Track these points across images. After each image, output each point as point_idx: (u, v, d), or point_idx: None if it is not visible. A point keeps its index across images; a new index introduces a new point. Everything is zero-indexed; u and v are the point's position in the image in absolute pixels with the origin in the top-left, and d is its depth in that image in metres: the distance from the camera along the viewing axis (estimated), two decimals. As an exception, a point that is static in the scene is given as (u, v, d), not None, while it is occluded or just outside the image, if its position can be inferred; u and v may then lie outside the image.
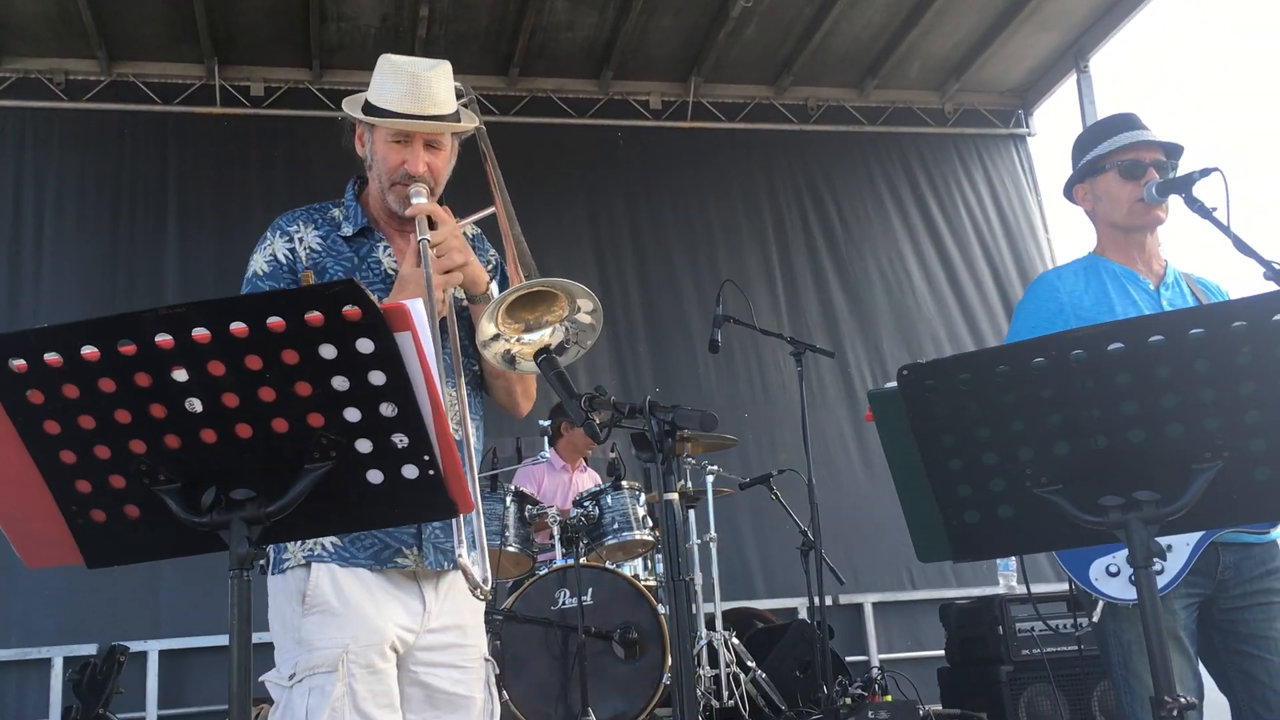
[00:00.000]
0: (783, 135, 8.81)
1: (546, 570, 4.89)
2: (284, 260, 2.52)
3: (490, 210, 2.62)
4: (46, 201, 7.40)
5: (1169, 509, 1.82)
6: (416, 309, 1.62)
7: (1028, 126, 9.32)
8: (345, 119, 2.57)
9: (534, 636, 4.70)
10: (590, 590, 4.80)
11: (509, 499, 5.00)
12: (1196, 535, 2.64)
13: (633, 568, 5.45)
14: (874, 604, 7.71)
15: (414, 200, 2.47)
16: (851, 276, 8.63)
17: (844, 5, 7.84)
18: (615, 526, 5.08)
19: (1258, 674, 2.66)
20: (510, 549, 4.94)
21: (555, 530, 5.01)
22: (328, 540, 2.44)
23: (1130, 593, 2.64)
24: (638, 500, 5.19)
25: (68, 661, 6.47)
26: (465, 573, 2.15)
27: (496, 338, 2.18)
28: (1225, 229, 2.60)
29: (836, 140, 8.93)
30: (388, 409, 1.66)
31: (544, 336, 2.18)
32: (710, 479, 5.51)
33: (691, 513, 5.67)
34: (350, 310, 1.58)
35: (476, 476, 2.52)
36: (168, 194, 7.61)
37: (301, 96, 8.03)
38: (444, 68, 2.54)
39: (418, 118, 2.46)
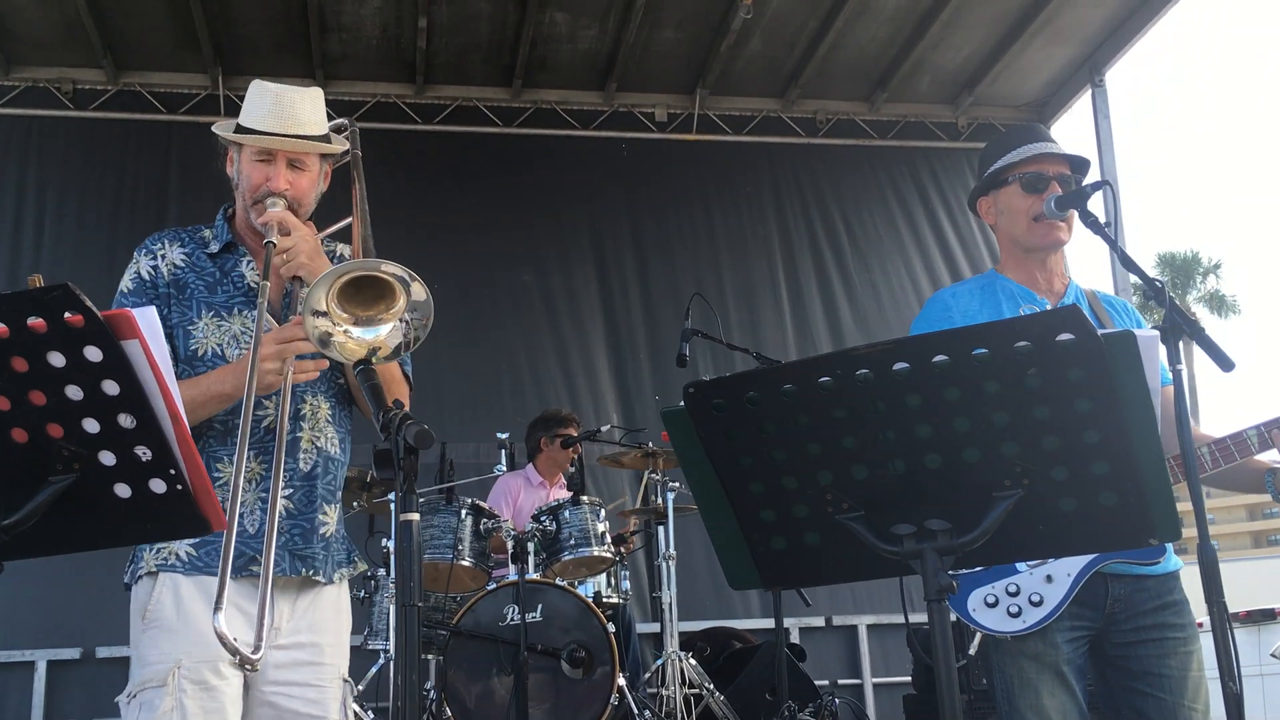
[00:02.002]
0: (790, 148, 8.70)
1: (495, 585, 4.82)
2: (146, 277, 2.55)
3: (346, 222, 2.62)
4: (48, 209, 7.50)
5: (965, 539, 1.72)
6: (145, 317, 1.57)
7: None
8: (218, 141, 2.62)
9: (481, 653, 4.64)
10: (540, 606, 4.72)
11: (464, 511, 4.95)
12: (1079, 564, 2.52)
13: (596, 584, 5.37)
14: (869, 626, 7.55)
15: (269, 209, 2.49)
16: (858, 291, 8.50)
17: (847, 18, 7.72)
18: (572, 542, 5.01)
19: (1150, 713, 2.53)
20: (464, 563, 4.89)
21: (510, 544, 4.95)
22: (181, 548, 2.41)
23: (1009, 624, 2.53)
24: (598, 516, 5.12)
25: (50, 665, 6.52)
26: (221, 640, 2.00)
27: (324, 315, 2.09)
28: (1113, 243, 2.48)
29: (846, 154, 8.80)
30: (126, 420, 1.62)
31: (379, 336, 2.10)
32: (672, 495, 5.41)
33: (661, 529, 5.58)
34: (73, 317, 1.53)
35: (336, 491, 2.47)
36: (169, 203, 7.67)
37: (305, 107, 8.06)
38: (313, 92, 2.60)
39: (280, 135, 2.50)
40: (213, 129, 2.61)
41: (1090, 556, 2.49)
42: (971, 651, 2.63)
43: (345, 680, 2.56)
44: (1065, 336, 1.57)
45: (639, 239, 8.33)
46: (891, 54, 8.26)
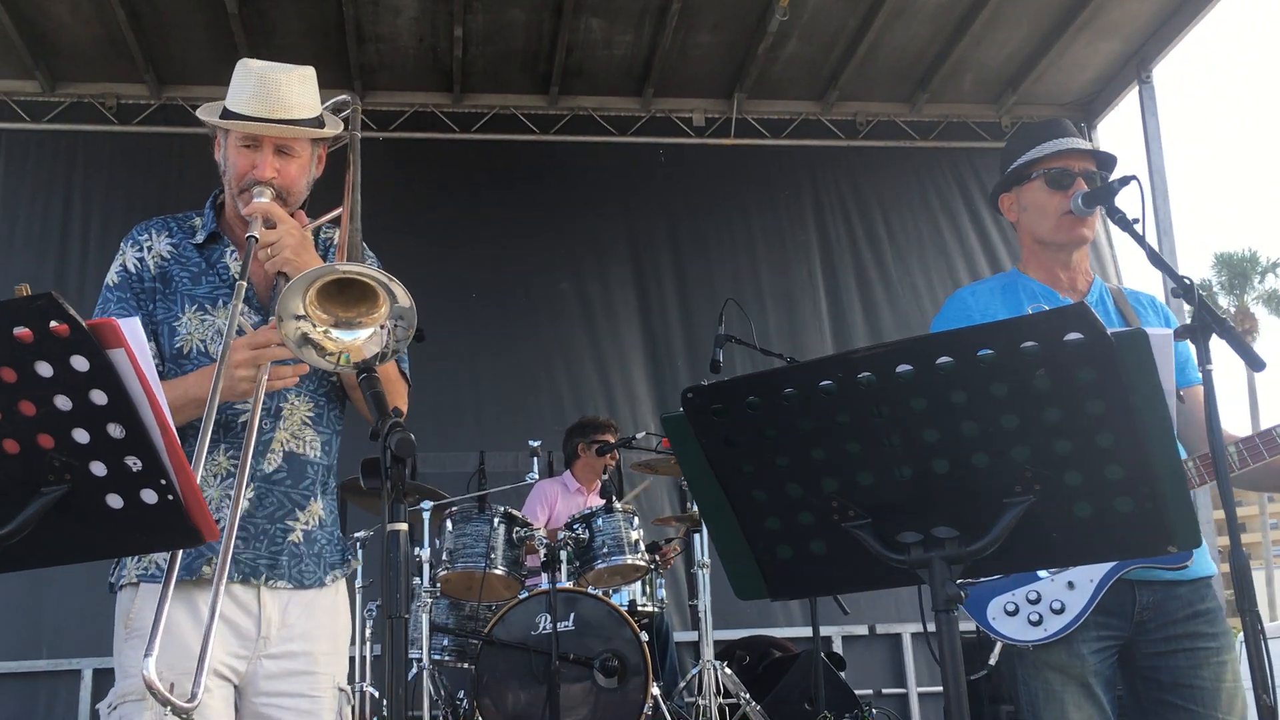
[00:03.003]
0: (830, 151, 8.62)
1: (527, 594, 4.79)
2: (133, 270, 2.49)
3: (337, 211, 2.51)
4: (93, 223, 7.60)
5: (974, 547, 1.66)
6: (129, 326, 1.55)
7: (1091, 140, 8.95)
8: (206, 125, 2.53)
9: (513, 662, 4.61)
10: (572, 615, 4.69)
11: (497, 520, 4.94)
12: (1102, 570, 2.44)
13: (631, 593, 5.33)
14: (913, 635, 7.43)
15: (255, 199, 2.40)
16: (900, 295, 8.41)
17: (886, 17, 7.63)
18: (605, 550, 4.98)
19: (1183, 727, 2.43)
20: (497, 571, 4.87)
21: (542, 553, 4.92)
22: (161, 556, 2.33)
23: (1030, 633, 2.46)
24: (631, 524, 5.08)
25: (97, 674, 6.58)
26: (150, 688, 1.91)
27: (303, 318, 2.01)
28: (1141, 240, 2.40)
29: (886, 155, 8.71)
30: (115, 430, 1.60)
31: (356, 340, 2.02)
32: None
33: (697, 537, 5.53)
34: (58, 326, 1.52)
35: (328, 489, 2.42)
36: (213, 215, 7.73)
37: (345, 117, 8.10)
38: (301, 72, 2.47)
39: (264, 120, 2.39)
40: (197, 113, 2.53)
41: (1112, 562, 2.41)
42: (992, 662, 2.55)
43: (341, 689, 2.47)
44: (1074, 336, 1.51)
45: (676, 245, 8.29)
46: (933, 53, 8.15)
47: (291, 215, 2.46)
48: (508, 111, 8.28)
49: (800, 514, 1.77)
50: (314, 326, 2.01)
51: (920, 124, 8.75)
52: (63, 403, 1.58)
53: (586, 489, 6.10)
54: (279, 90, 2.40)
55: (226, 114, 2.45)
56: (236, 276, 2.42)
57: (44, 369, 1.55)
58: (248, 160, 2.43)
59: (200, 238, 2.53)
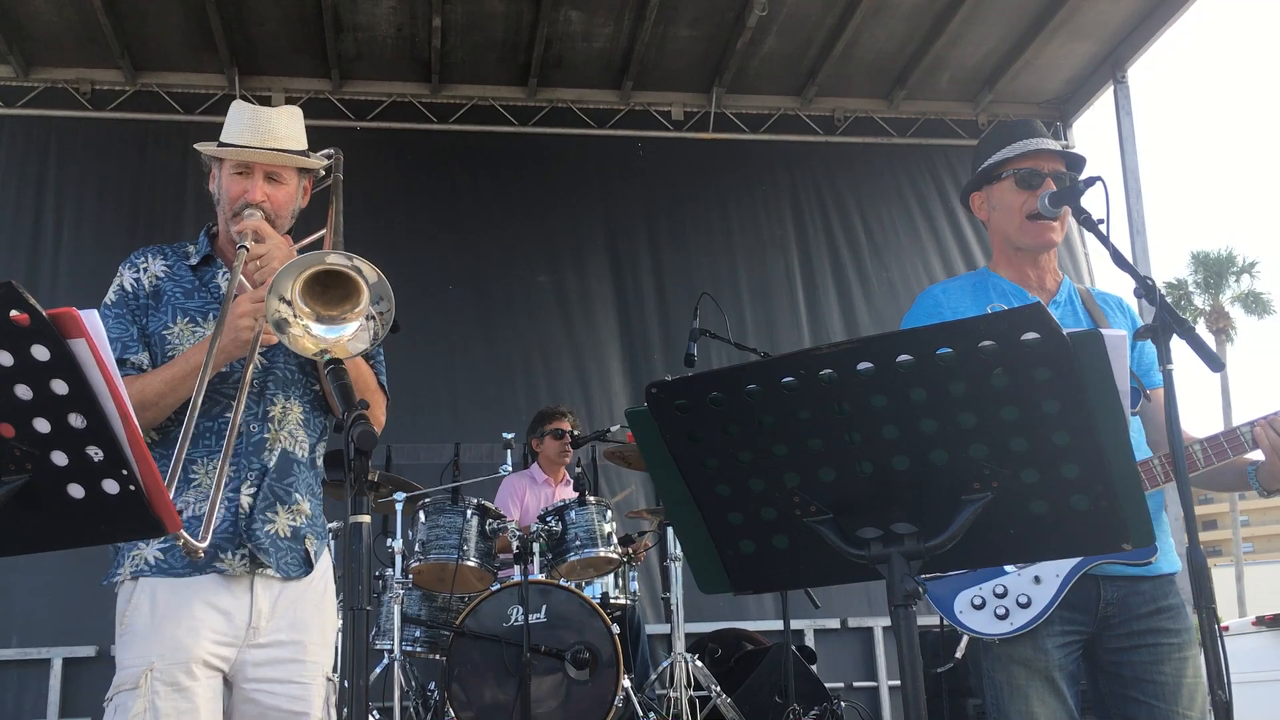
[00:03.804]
0: (808, 146, 8.65)
1: (500, 586, 4.79)
2: (129, 289, 2.62)
3: (321, 233, 2.68)
4: (67, 209, 7.55)
5: (932, 543, 1.67)
6: (90, 318, 1.55)
7: (1066, 139, 9.00)
8: (202, 160, 2.72)
9: (484, 654, 4.62)
10: (544, 608, 4.70)
11: (470, 512, 4.93)
12: (1068, 565, 2.46)
13: (604, 585, 5.34)
14: (884, 628, 7.47)
15: (246, 218, 2.54)
16: (875, 290, 8.45)
17: (864, 15, 7.66)
18: (578, 543, 4.99)
19: (1143, 721, 2.47)
20: (469, 563, 4.87)
21: (514, 545, 4.92)
22: (150, 553, 2.44)
23: (996, 627, 2.48)
24: (604, 516, 5.09)
25: (66, 663, 6.55)
26: (186, 545, 2.11)
27: (287, 303, 2.09)
28: (1105, 240, 2.43)
29: (864, 152, 8.74)
30: (76, 420, 1.60)
31: (341, 337, 2.08)
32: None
33: (670, 530, 5.54)
34: (18, 315, 1.52)
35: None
36: (187, 202, 7.68)
37: (322, 106, 8.07)
38: (291, 110, 2.68)
39: (255, 148, 2.57)
40: (195, 146, 2.70)
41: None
42: (959, 655, 2.57)
43: (329, 679, 2.56)
44: (1030, 335, 1.52)
45: (654, 238, 8.30)
46: (910, 51, 8.19)
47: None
48: (486, 103, 8.27)
49: (763, 509, 1.78)
50: (294, 317, 2.09)
51: (898, 120, 8.79)
52: (23, 392, 1.58)
53: (554, 480, 6.11)
54: (269, 124, 2.61)
55: (221, 146, 2.63)
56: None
57: (4, 358, 1.55)
58: (240, 186, 2.60)
59: (195, 260, 2.69)
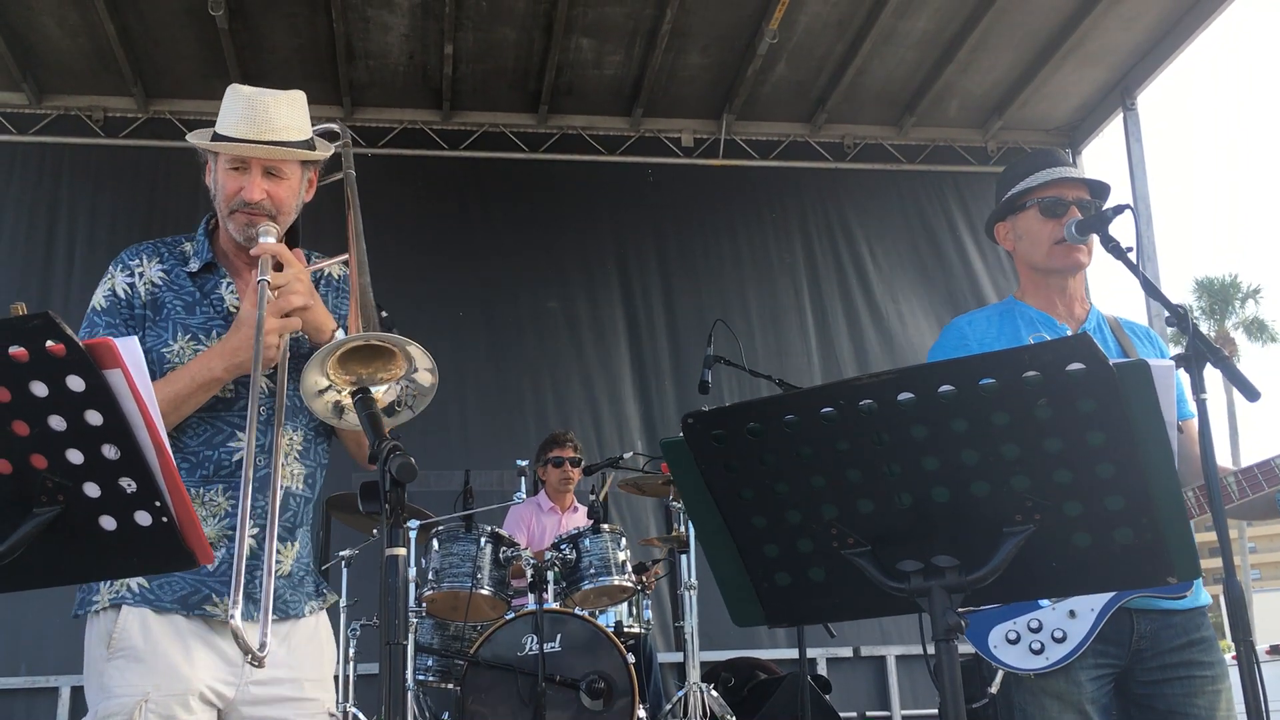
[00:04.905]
0: (817, 173, 8.65)
1: (514, 615, 4.76)
2: (122, 295, 2.43)
3: (343, 257, 2.51)
4: (79, 236, 7.56)
5: (973, 576, 1.65)
6: (127, 346, 1.54)
7: (1076, 166, 8.99)
8: (198, 152, 2.50)
9: (499, 683, 4.58)
10: (559, 636, 4.67)
11: (484, 540, 4.91)
12: (1103, 599, 2.44)
13: (617, 614, 5.31)
14: (898, 657, 7.43)
15: (261, 239, 2.37)
16: (885, 317, 8.43)
17: (875, 42, 7.68)
18: (592, 571, 4.95)
19: (1176, 754, 2.43)
20: (483, 591, 4.83)
21: (529, 573, 4.89)
22: (134, 582, 2.31)
23: (1032, 662, 2.45)
24: (618, 544, 5.06)
25: (74, 691, 6.51)
26: (236, 636, 1.98)
27: (327, 389, 2.03)
28: (1135, 269, 2.41)
29: (873, 178, 8.75)
30: (110, 451, 1.59)
31: (377, 394, 2.02)
32: (692, 525, 5.34)
33: (684, 558, 5.50)
34: (54, 346, 1.50)
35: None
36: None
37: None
38: (290, 95, 2.45)
39: (252, 142, 2.37)
40: (187, 138, 2.49)
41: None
42: (993, 690, 2.54)
43: (331, 715, 2.46)
44: (1076, 366, 1.51)
45: (665, 265, 8.30)
46: (919, 78, 8.21)
47: (287, 245, 2.43)
48: (497, 129, 8.29)
49: (799, 541, 1.76)
50: (339, 393, 2.03)
51: (907, 147, 8.80)
52: (57, 423, 1.56)
53: (560, 507, 6.09)
54: (267, 113, 2.38)
55: (216, 138, 2.43)
56: (231, 309, 2.44)
57: (39, 389, 1.53)
58: (236, 183, 2.40)
59: (194, 266, 2.48)
